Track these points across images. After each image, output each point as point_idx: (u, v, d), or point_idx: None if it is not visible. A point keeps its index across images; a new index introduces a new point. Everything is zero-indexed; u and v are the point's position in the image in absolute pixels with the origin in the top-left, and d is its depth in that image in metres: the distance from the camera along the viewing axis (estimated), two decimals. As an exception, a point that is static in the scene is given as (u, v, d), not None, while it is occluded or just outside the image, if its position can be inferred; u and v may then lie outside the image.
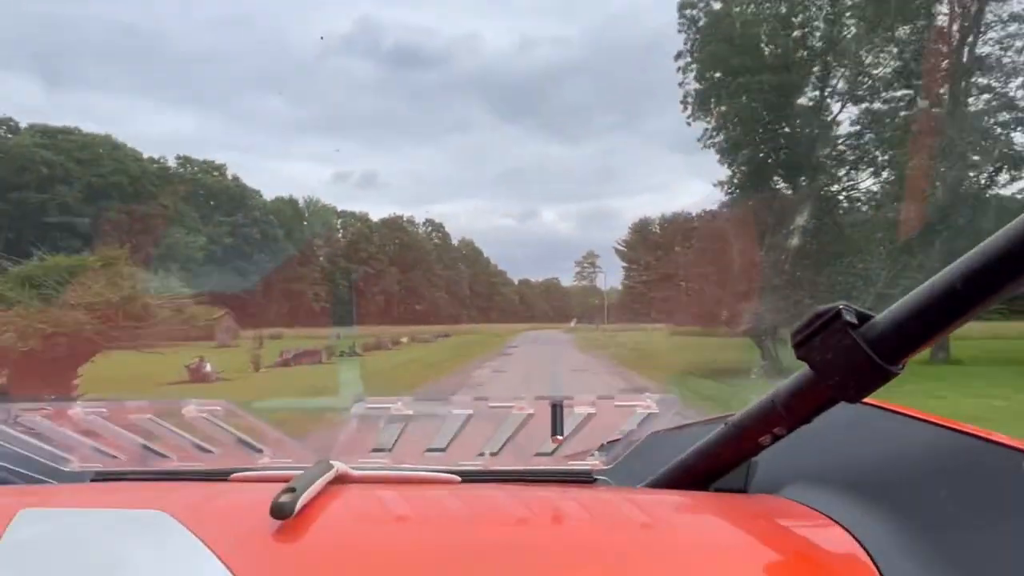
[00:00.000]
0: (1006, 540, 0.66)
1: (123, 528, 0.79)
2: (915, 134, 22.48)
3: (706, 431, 1.01)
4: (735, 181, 28.20)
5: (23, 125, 59.77)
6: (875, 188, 25.89)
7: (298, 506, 0.78)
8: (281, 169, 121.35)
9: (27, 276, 13.48)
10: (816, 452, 0.96)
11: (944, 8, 23.90)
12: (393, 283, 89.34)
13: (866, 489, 0.84)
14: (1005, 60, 23.24)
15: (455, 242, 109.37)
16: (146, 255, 48.55)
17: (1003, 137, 22.81)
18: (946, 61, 23.66)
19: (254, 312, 58.17)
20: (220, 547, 0.71)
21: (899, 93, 24.75)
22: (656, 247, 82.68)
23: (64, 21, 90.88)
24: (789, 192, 26.27)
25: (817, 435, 0.89)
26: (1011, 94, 23.09)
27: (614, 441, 1.22)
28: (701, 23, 28.17)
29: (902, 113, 24.58)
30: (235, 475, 1.12)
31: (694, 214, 62.70)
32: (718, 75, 27.54)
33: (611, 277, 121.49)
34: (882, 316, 0.75)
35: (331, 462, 0.96)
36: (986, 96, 23.68)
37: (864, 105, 26.01)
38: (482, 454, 1.20)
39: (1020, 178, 22.75)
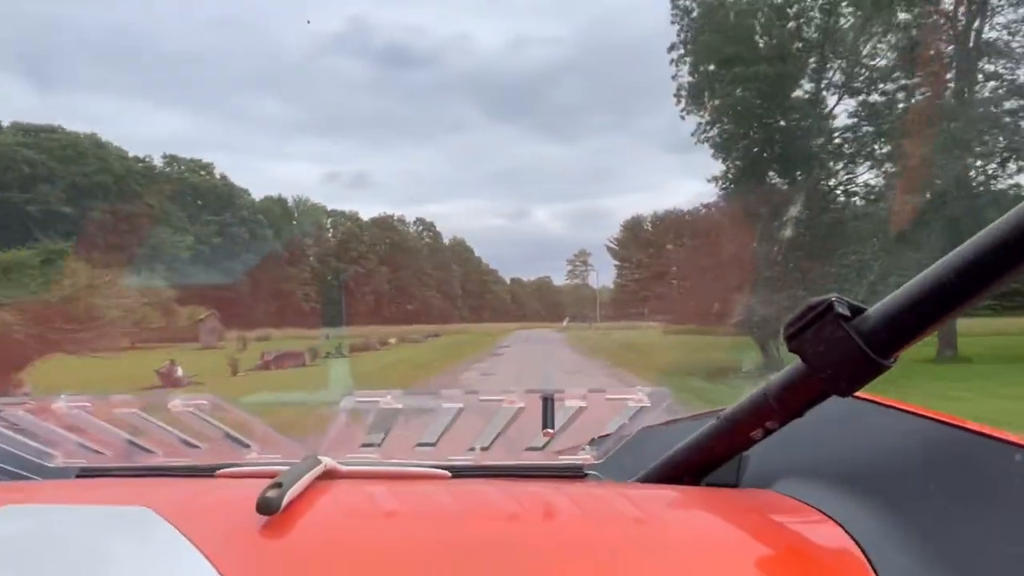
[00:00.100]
0: (997, 533, 0.66)
1: (108, 525, 0.79)
2: (917, 124, 22.11)
3: (698, 425, 1.01)
4: (730, 176, 28.09)
5: (5, 124, 59.64)
6: (873, 181, 25.82)
7: (285, 502, 0.78)
8: (272, 169, 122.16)
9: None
10: (808, 446, 0.96)
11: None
12: (384, 283, 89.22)
13: (858, 483, 0.84)
14: (1014, 45, 22.83)
15: (446, 241, 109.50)
16: (131, 255, 48.45)
17: (1011, 126, 22.37)
18: (951, 47, 23.35)
19: (242, 313, 58.07)
20: (205, 543, 0.71)
21: (899, 84, 24.44)
22: (648, 245, 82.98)
23: (54, 21, 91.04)
24: (785, 186, 26.11)
25: (809, 429, 0.89)
26: (1019, 81, 22.63)
27: (605, 436, 1.22)
28: (694, 13, 27.97)
29: (900, 106, 24.35)
30: (222, 471, 1.12)
31: (687, 211, 62.80)
32: (712, 67, 27.43)
33: (603, 275, 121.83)
34: (874, 309, 0.75)
35: (319, 457, 0.96)
36: (993, 83, 23.26)
37: (861, 97, 25.96)
38: (473, 449, 1.20)
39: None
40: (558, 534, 0.81)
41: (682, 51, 28.51)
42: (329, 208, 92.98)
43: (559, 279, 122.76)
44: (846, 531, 0.77)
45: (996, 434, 0.73)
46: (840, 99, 26.36)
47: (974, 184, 21.71)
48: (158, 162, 70.20)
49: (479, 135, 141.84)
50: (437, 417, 1.20)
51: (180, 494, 0.95)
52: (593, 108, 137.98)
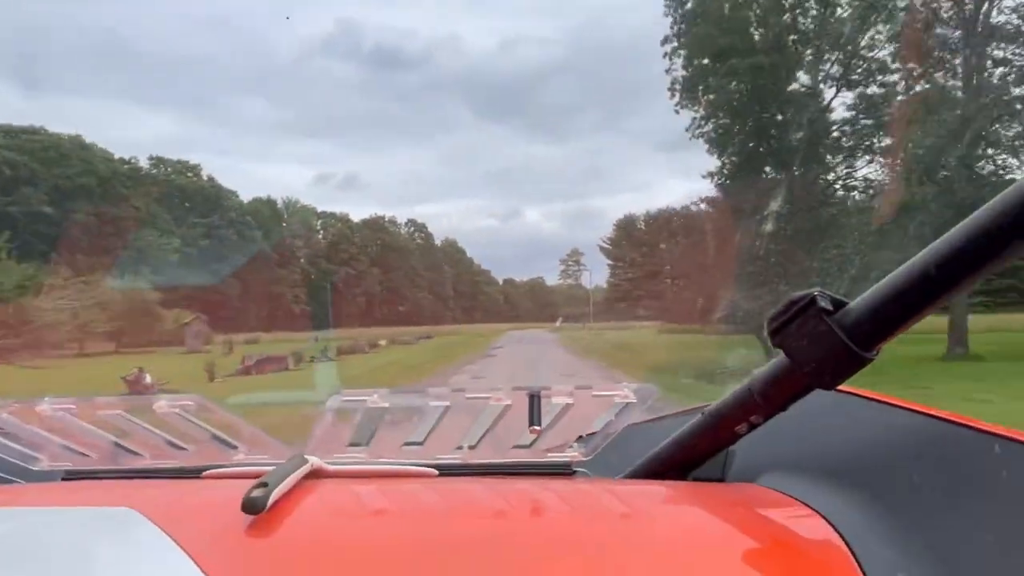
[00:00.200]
0: (980, 524, 0.67)
1: (93, 527, 0.80)
2: (921, 113, 21.82)
3: (684, 421, 1.02)
4: (725, 171, 28.05)
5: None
6: (872, 175, 25.77)
7: (270, 501, 0.78)
8: (262, 171, 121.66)
9: None
10: (793, 440, 0.97)
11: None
12: (375, 284, 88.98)
13: (842, 476, 0.85)
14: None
15: (438, 242, 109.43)
16: (115, 257, 48.25)
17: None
18: (958, 32, 23.07)
19: (230, 316, 57.87)
20: (190, 544, 0.72)
21: (900, 73, 24.29)
22: (642, 244, 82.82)
23: (40, 23, 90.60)
24: (782, 181, 25.96)
25: (794, 423, 0.90)
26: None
27: (592, 433, 1.23)
28: (688, 4, 27.94)
29: (899, 98, 24.29)
30: (208, 472, 1.13)
31: (679, 208, 62.66)
32: (705, 61, 27.36)
33: (596, 275, 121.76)
34: (856, 302, 0.76)
35: (306, 457, 0.97)
36: (1002, 70, 23.03)
37: (859, 89, 25.89)
38: (460, 447, 1.21)
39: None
40: (546, 531, 0.82)
41: (676, 44, 28.50)
42: (319, 209, 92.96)
43: (552, 279, 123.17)
44: (830, 524, 0.78)
45: (978, 426, 0.74)
46: (838, 91, 26.32)
47: (983, 173, 21.48)
48: (144, 164, 70.01)
49: (470, 135, 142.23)
50: (424, 416, 1.22)
51: (166, 495, 0.96)
52: (584, 108, 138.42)
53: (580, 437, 1.25)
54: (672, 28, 28.50)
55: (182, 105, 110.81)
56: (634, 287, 79.78)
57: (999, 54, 22.78)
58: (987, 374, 17.44)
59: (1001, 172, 22.40)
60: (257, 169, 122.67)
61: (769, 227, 23.16)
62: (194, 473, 1.13)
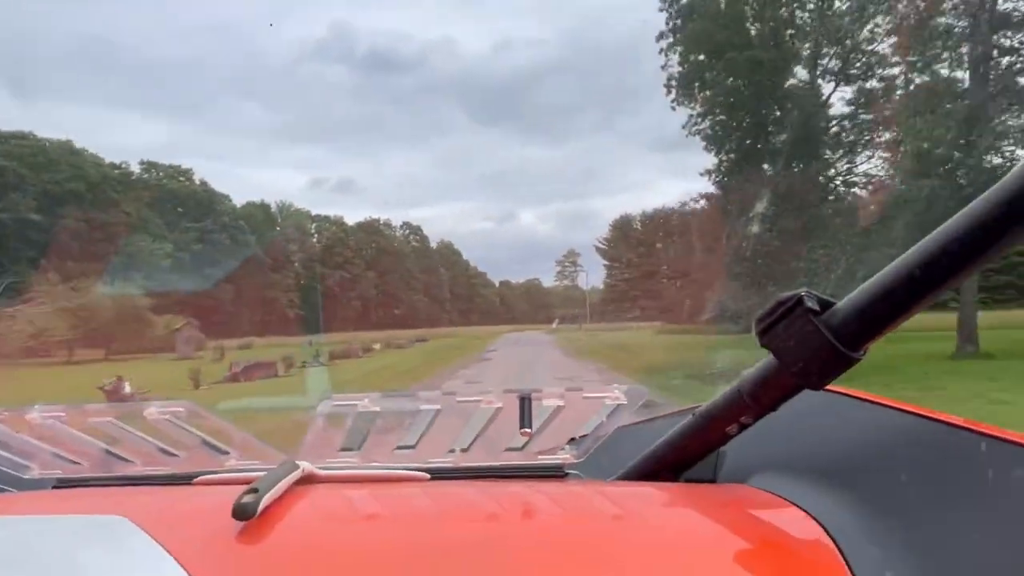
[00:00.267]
0: (969, 523, 0.68)
1: (83, 535, 0.80)
2: (926, 104, 21.50)
3: (675, 423, 1.03)
4: (723, 169, 28.02)
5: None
6: (873, 171, 25.73)
7: (261, 507, 0.79)
8: (256, 176, 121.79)
9: None
10: (782, 440, 0.98)
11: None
12: (370, 287, 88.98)
13: (831, 476, 0.86)
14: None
15: (434, 245, 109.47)
16: (106, 263, 48.14)
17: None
18: (965, 20, 22.78)
19: (224, 321, 57.77)
20: (181, 551, 0.72)
21: (904, 63, 23.88)
22: (638, 244, 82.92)
23: (30, 29, 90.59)
24: (781, 178, 25.90)
25: (784, 423, 0.91)
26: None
27: (584, 435, 1.24)
28: (684, 0, 27.88)
29: (898, 91, 24.23)
30: (199, 478, 1.13)
31: (676, 208, 62.63)
32: (702, 57, 27.32)
33: (593, 276, 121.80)
34: (843, 303, 0.77)
35: (297, 462, 0.97)
36: (1009, 59, 22.65)
37: (859, 84, 25.87)
38: (452, 450, 1.22)
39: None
40: (539, 533, 0.83)
41: (672, 39, 28.41)
42: (313, 213, 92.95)
43: (548, 281, 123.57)
44: (820, 524, 0.79)
45: (966, 425, 0.74)
46: (837, 86, 26.29)
47: (991, 165, 21.34)
48: (135, 168, 69.88)
49: (465, 138, 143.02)
50: (415, 419, 1.22)
51: (157, 502, 0.96)
52: (579, 109, 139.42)
53: (572, 439, 1.26)
54: (668, 24, 28.46)
55: (174, 109, 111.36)
56: (631, 287, 79.97)
57: (1006, 43, 22.50)
58: (1000, 372, 17.01)
59: (1010, 164, 22.05)
60: (251, 173, 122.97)
61: (770, 225, 23.13)
62: (185, 480, 1.14)
